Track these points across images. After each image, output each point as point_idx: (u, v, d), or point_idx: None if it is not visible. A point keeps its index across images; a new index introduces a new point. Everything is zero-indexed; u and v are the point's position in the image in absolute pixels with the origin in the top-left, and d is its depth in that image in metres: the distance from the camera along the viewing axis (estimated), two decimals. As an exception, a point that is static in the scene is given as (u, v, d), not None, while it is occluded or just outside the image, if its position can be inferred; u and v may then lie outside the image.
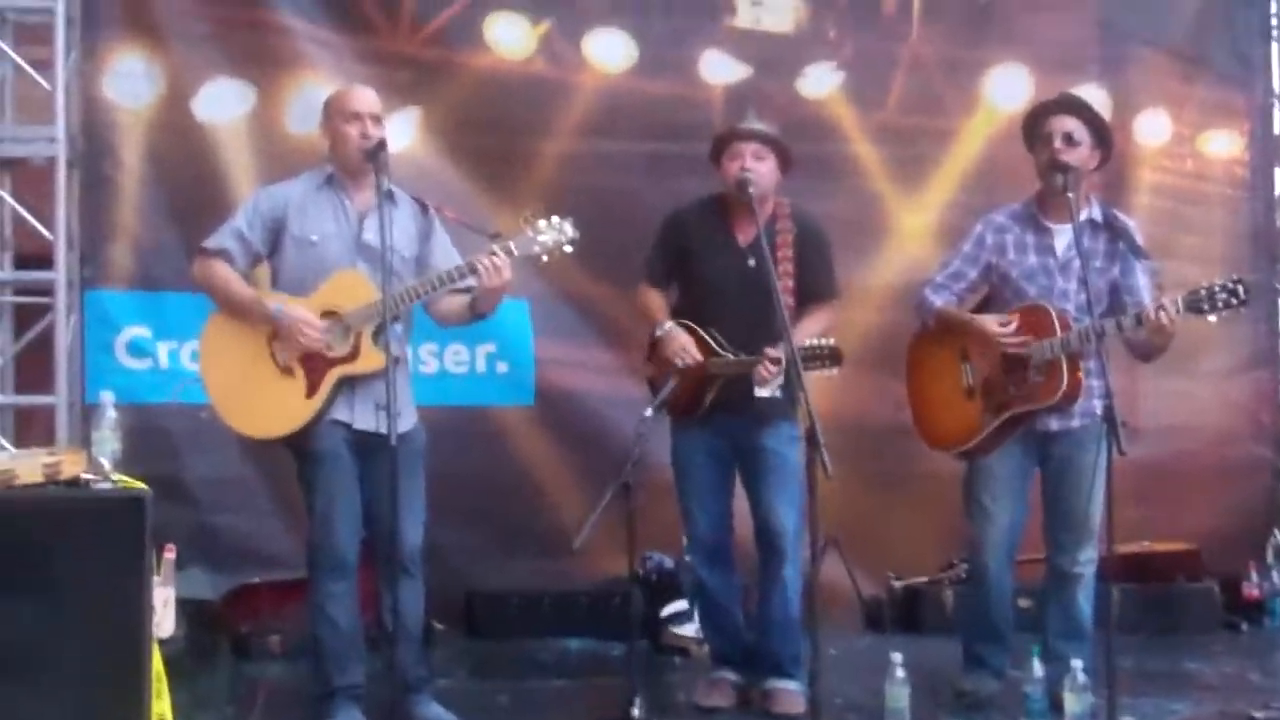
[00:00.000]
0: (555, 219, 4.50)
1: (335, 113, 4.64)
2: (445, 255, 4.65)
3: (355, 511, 4.53)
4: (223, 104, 5.80)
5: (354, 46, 5.84)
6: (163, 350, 5.74)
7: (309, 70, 5.79)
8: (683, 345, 4.80)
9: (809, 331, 4.79)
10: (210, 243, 4.64)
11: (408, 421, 4.56)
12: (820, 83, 6.17)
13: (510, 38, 5.98)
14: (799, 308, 4.87)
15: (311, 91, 5.56)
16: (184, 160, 5.76)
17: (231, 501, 5.73)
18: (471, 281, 4.52)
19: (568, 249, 4.51)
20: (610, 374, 5.96)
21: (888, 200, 6.24)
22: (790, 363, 4.47)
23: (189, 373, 5.40)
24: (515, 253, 4.48)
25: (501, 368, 6.03)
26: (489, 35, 5.97)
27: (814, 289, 4.92)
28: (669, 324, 4.84)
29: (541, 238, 4.50)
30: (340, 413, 4.51)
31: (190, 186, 5.72)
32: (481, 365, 6.01)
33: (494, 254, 4.43)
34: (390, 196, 4.49)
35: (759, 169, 4.84)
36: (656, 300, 4.98)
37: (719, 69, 6.08)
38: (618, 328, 5.88)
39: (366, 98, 4.65)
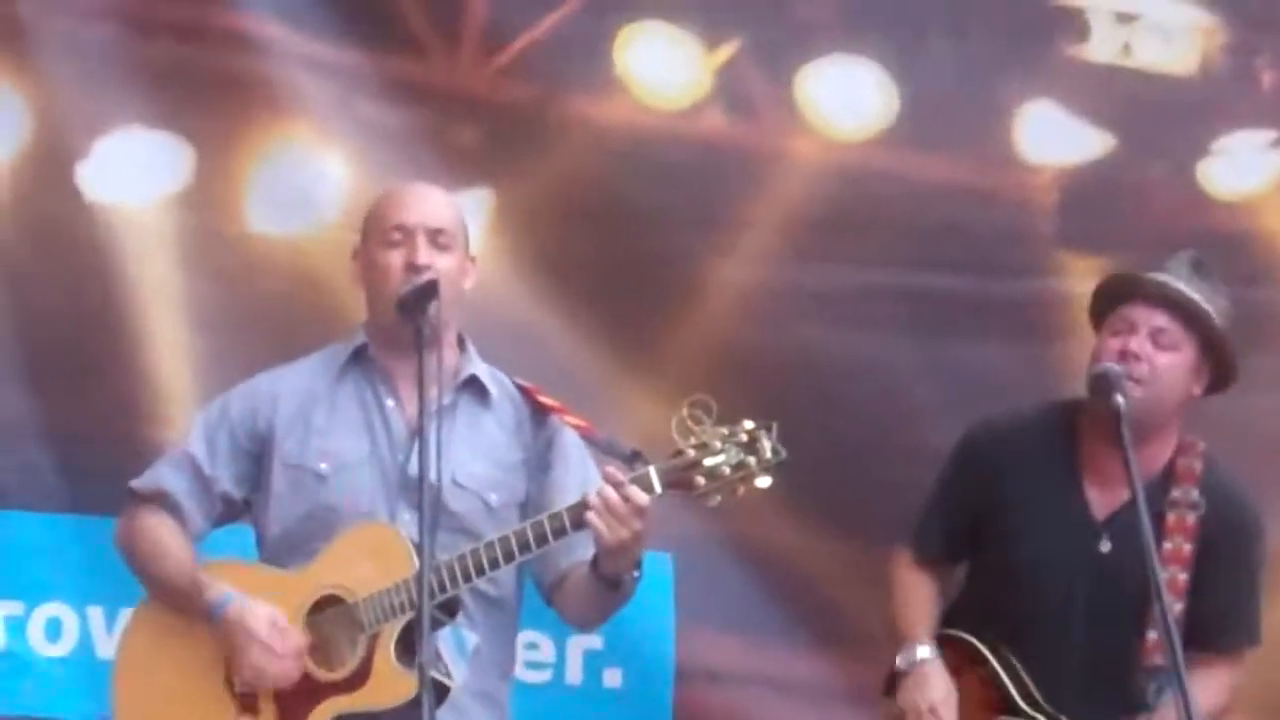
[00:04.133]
0: (749, 425, 4.18)
1: (370, 232, 4.45)
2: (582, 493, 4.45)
3: None
4: (132, 174, 5.47)
5: (377, 78, 5.51)
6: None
7: (291, 120, 5.48)
8: (933, 705, 4.61)
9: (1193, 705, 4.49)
10: (142, 481, 4.51)
11: None
12: (1247, 167, 5.58)
13: (662, 70, 5.57)
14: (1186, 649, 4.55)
15: (293, 159, 5.43)
16: (57, 271, 5.43)
17: None
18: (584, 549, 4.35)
19: (763, 483, 4.18)
20: (830, 703, 5.48)
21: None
22: None
23: (42, 663, 5.29)
24: (659, 488, 4.19)
25: (613, 678, 5.59)
26: (621, 64, 5.57)
27: (1214, 621, 4.62)
28: (922, 651, 4.68)
29: (713, 460, 4.16)
30: None
31: (65, 324, 5.41)
32: (575, 671, 5.58)
33: (619, 484, 4.17)
34: (478, 388, 4.39)
35: (1157, 362, 4.55)
36: (918, 590, 4.80)
37: (1048, 136, 5.58)
38: (847, 615, 5.44)
39: (418, 199, 4.45)
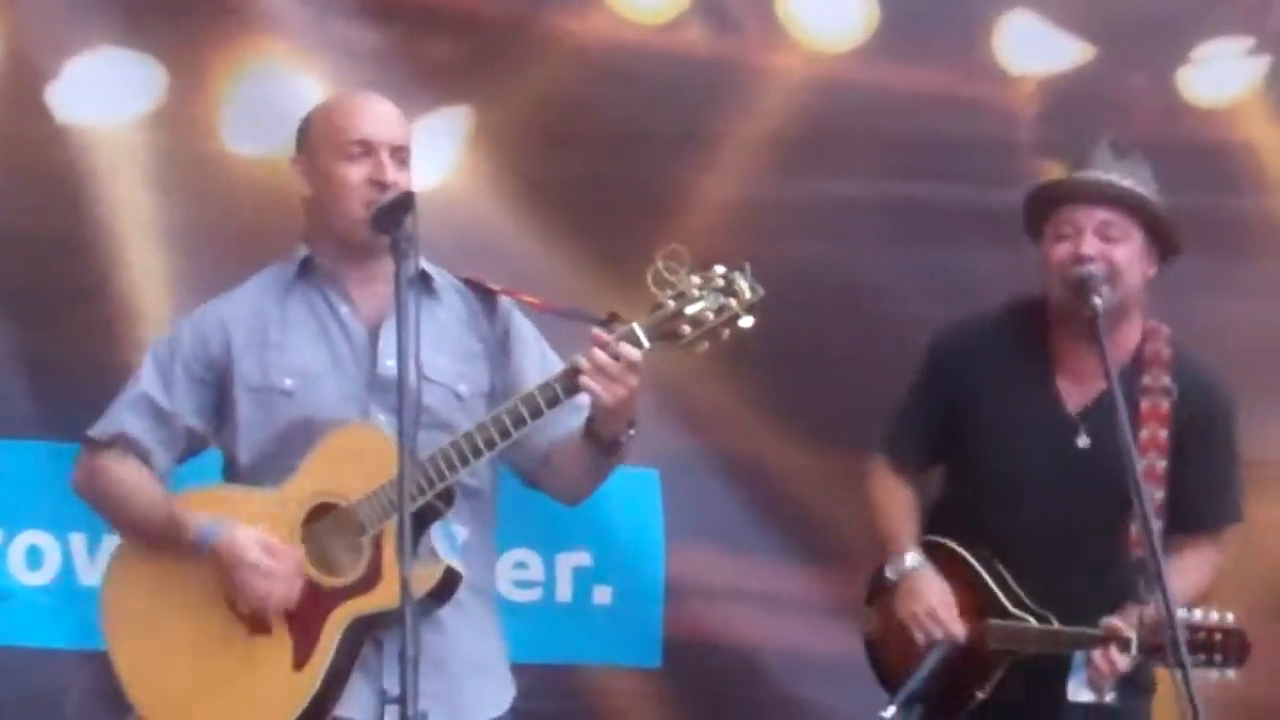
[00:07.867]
0: (720, 269, 4.21)
1: (323, 141, 4.38)
2: (543, 375, 4.42)
3: None
4: (104, 94, 5.42)
5: (350, -4, 5.60)
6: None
7: (265, 39, 5.45)
8: (931, 609, 4.65)
9: (1179, 590, 4.43)
10: (99, 429, 4.47)
11: (497, 699, 4.44)
12: (1226, 75, 5.56)
13: (642, -15, 5.63)
14: (1165, 536, 4.60)
15: (268, 78, 5.40)
16: (28, 195, 5.37)
17: None
18: (573, 414, 4.32)
19: (745, 323, 4.20)
20: (817, 618, 5.49)
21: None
22: (1168, 645, 4.18)
23: (23, 591, 5.25)
24: (646, 342, 4.20)
25: (602, 595, 5.60)
26: (603, -22, 5.66)
27: (1194, 505, 4.64)
28: (911, 559, 4.71)
29: (694, 307, 4.19)
30: (359, 703, 4.27)
31: (38, 247, 5.35)
32: (565, 589, 5.58)
33: (605, 344, 4.18)
34: (425, 283, 4.32)
35: (1113, 257, 4.53)
36: (897, 497, 4.82)
37: (1028, 46, 5.57)
38: (835, 530, 5.46)
39: (381, 115, 4.41)
